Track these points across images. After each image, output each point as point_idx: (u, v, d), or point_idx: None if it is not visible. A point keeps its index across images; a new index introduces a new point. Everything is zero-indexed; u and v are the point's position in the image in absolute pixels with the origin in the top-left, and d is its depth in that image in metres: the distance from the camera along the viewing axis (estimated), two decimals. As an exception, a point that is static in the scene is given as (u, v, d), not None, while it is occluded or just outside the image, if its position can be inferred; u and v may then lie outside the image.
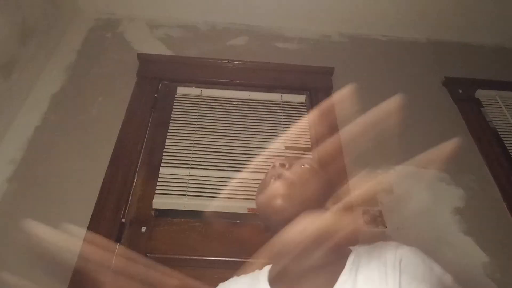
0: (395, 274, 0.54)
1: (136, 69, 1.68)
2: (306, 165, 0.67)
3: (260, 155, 1.45)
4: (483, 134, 1.65)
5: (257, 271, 0.70)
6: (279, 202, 0.60)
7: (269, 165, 0.71)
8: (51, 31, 1.72)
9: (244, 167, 1.42)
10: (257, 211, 0.67)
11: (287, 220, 0.57)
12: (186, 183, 1.36)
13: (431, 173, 1.49)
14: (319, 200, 0.64)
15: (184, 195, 1.32)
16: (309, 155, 0.79)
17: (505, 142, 1.63)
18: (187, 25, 1.93)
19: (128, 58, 1.72)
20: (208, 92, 1.66)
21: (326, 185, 0.68)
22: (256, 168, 1.42)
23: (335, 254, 0.62)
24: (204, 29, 1.93)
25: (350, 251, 0.64)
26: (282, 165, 0.65)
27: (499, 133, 1.67)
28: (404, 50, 1.98)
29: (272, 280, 0.65)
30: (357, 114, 0.67)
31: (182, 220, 1.29)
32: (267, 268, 0.69)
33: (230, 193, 1.35)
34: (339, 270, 0.59)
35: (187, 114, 1.57)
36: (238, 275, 0.72)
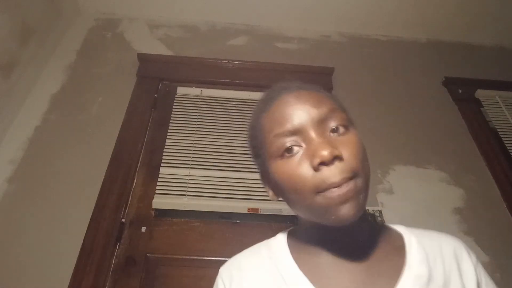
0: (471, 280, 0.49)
1: (136, 69, 1.68)
2: (342, 129, 0.47)
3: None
4: (483, 134, 1.64)
5: (265, 242, 0.58)
6: (349, 217, 0.44)
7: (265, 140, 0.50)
8: (51, 31, 1.72)
9: (244, 167, 1.42)
10: (286, 202, 0.51)
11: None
12: (186, 183, 1.36)
13: (431, 173, 1.49)
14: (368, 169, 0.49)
15: (184, 195, 1.32)
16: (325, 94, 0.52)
17: (505, 142, 1.63)
18: (187, 25, 1.93)
19: (128, 58, 1.72)
20: (208, 92, 1.66)
21: (361, 141, 0.50)
22: (256, 168, 1.42)
23: (382, 231, 0.52)
24: (204, 29, 1.93)
25: (400, 234, 0.52)
26: (336, 157, 0.44)
27: (499, 133, 1.67)
28: (404, 50, 1.98)
29: (296, 255, 0.52)
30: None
31: (182, 220, 1.29)
32: (281, 236, 0.56)
33: (230, 193, 1.35)
34: (399, 258, 0.48)
35: (187, 114, 1.57)
36: (240, 254, 0.61)
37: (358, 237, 0.51)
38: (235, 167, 1.42)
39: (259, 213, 1.31)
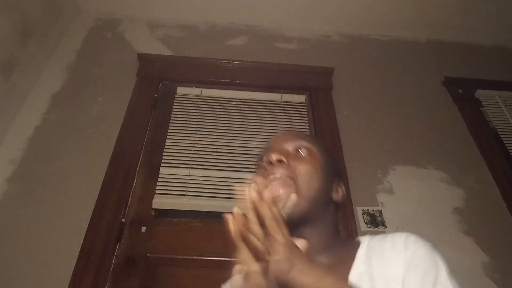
0: (402, 260, 0.52)
1: (136, 69, 1.68)
2: (304, 150, 0.61)
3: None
4: (483, 134, 1.65)
5: None
6: (288, 209, 0.53)
7: (261, 157, 0.64)
8: (51, 31, 1.72)
9: (244, 167, 1.42)
10: None
11: (297, 223, 0.54)
12: (186, 183, 1.35)
13: (431, 173, 1.49)
14: (325, 191, 0.60)
15: (184, 195, 1.32)
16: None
17: (505, 142, 1.63)
18: (187, 25, 1.93)
19: (128, 58, 1.72)
20: (208, 92, 1.66)
21: (328, 168, 0.62)
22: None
23: (344, 248, 0.60)
24: (204, 29, 1.93)
25: (358, 244, 0.60)
26: (280, 161, 0.58)
27: (499, 133, 1.67)
28: (404, 50, 1.98)
29: None
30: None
31: (182, 220, 1.29)
32: None
33: (230, 193, 1.35)
34: (349, 263, 0.56)
35: (187, 114, 1.57)
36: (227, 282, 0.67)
37: (314, 245, 0.55)
38: (235, 167, 1.42)
39: (259, 213, 1.31)
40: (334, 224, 0.63)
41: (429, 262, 0.52)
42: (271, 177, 0.57)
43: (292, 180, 0.57)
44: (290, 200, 0.53)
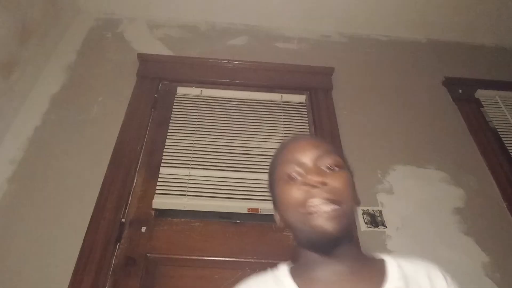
0: None
1: (136, 69, 1.68)
2: (335, 168, 0.61)
3: (260, 155, 1.46)
4: (483, 134, 1.65)
5: (269, 271, 0.66)
6: (333, 231, 0.55)
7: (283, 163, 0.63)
8: (51, 31, 1.72)
9: (244, 167, 1.42)
10: (287, 225, 0.62)
11: (338, 241, 0.57)
12: (186, 183, 1.35)
13: (431, 173, 1.49)
14: (356, 204, 0.62)
15: (184, 195, 1.32)
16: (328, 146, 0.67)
17: (505, 142, 1.63)
18: (187, 25, 1.93)
19: (128, 58, 1.72)
20: (208, 92, 1.66)
21: (353, 181, 0.64)
22: (257, 168, 1.42)
23: (368, 263, 0.61)
24: (204, 29, 1.93)
25: (382, 260, 0.62)
26: (323, 183, 0.57)
27: (499, 133, 1.67)
28: (404, 50, 1.98)
29: (294, 276, 0.61)
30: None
31: (182, 220, 1.29)
32: (283, 265, 0.65)
33: (230, 193, 1.35)
34: (381, 277, 0.57)
35: (187, 114, 1.57)
36: (249, 279, 0.67)
37: (347, 261, 0.59)
38: (235, 167, 1.42)
39: (259, 213, 1.31)
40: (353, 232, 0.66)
41: None
42: (315, 201, 0.56)
43: (336, 202, 0.56)
44: (334, 228, 0.55)
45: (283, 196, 0.61)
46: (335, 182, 0.58)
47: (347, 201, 0.58)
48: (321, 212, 0.55)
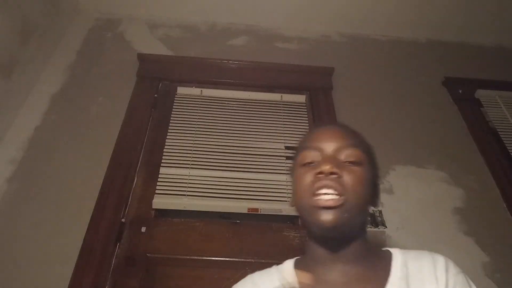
0: None
1: (136, 69, 1.68)
2: (354, 161, 0.59)
3: (260, 155, 1.46)
4: (483, 134, 1.65)
5: (274, 266, 0.67)
6: (332, 224, 0.54)
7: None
8: (51, 31, 1.72)
9: (244, 167, 1.42)
10: (299, 214, 0.62)
11: (344, 233, 0.57)
12: (186, 183, 1.35)
13: (431, 173, 1.49)
14: (369, 202, 0.60)
15: (184, 195, 1.32)
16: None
17: (505, 142, 1.63)
18: (187, 25, 1.93)
19: (128, 58, 1.72)
20: (208, 92, 1.66)
21: (375, 179, 0.62)
22: (257, 168, 1.42)
23: (377, 259, 0.60)
24: (204, 29, 1.93)
25: (390, 254, 0.60)
26: (334, 174, 0.56)
27: (499, 133, 1.67)
28: (404, 50, 1.98)
29: (299, 273, 0.61)
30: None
31: (182, 220, 1.29)
32: (289, 262, 0.66)
33: (230, 193, 1.35)
34: (384, 276, 0.56)
35: (187, 114, 1.57)
36: (254, 273, 0.68)
37: (350, 257, 0.59)
38: (235, 167, 1.42)
39: (259, 213, 1.31)
40: (365, 229, 0.63)
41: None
42: (323, 190, 0.55)
43: (342, 196, 0.55)
44: (337, 221, 0.54)
45: (296, 180, 0.61)
46: (349, 176, 0.56)
47: (356, 197, 0.55)
48: (323, 202, 0.54)
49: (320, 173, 0.56)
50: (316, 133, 0.64)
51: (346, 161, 0.59)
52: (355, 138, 0.63)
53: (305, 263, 0.63)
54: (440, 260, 0.58)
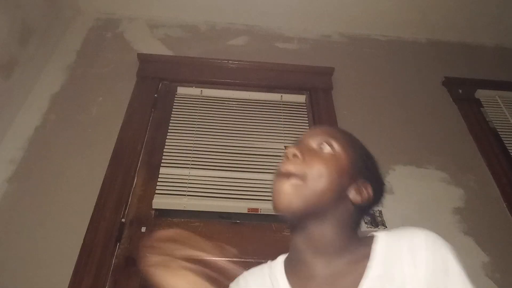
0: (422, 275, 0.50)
1: (136, 69, 1.68)
2: (326, 147, 0.59)
3: (260, 155, 1.46)
4: (483, 134, 1.64)
5: (269, 262, 0.67)
6: (283, 205, 0.56)
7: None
8: (51, 31, 1.72)
9: (244, 167, 1.42)
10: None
11: (300, 218, 0.57)
12: (186, 183, 1.35)
13: (431, 173, 1.49)
14: (338, 191, 0.57)
15: (184, 195, 1.32)
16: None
17: (505, 142, 1.63)
18: (187, 25, 1.93)
19: (128, 58, 1.72)
20: (208, 92, 1.66)
21: (350, 169, 0.59)
22: (257, 168, 1.42)
23: (359, 247, 0.57)
24: (204, 29, 1.93)
25: (373, 237, 0.57)
26: (295, 156, 0.58)
27: (499, 133, 1.67)
28: (404, 50, 1.98)
29: (288, 270, 0.61)
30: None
31: (182, 220, 1.29)
32: (281, 258, 0.66)
33: (230, 193, 1.35)
34: (364, 261, 0.53)
35: (187, 114, 1.57)
36: (247, 271, 0.69)
37: (329, 249, 0.57)
38: (235, 167, 1.42)
39: (259, 213, 1.31)
40: (348, 223, 0.59)
41: (453, 265, 0.53)
42: (283, 171, 0.57)
43: (300, 179, 0.56)
44: (290, 202, 0.55)
45: None
46: (314, 159, 0.58)
47: (315, 179, 0.55)
48: (278, 182, 0.57)
49: (286, 157, 0.59)
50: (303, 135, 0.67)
51: (318, 148, 0.60)
52: (336, 132, 0.64)
53: (291, 260, 0.63)
54: (419, 237, 0.54)
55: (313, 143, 0.61)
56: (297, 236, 0.60)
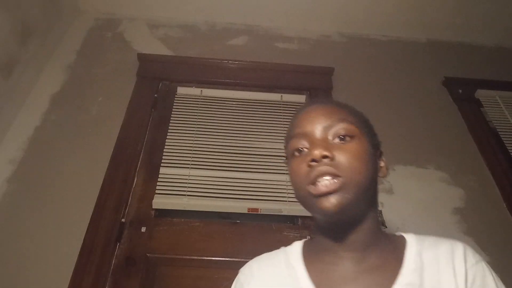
0: None
1: (136, 69, 1.68)
2: (345, 136, 0.55)
3: (260, 155, 1.46)
4: (483, 134, 1.64)
5: (282, 248, 0.65)
6: (333, 208, 0.51)
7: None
8: (51, 31, 1.72)
9: (244, 167, 1.42)
10: (303, 206, 0.58)
11: (351, 215, 0.53)
12: (186, 183, 1.35)
13: (431, 173, 1.49)
14: (372, 175, 0.55)
15: (184, 195, 1.32)
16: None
17: (505, 142, 1.63)
18: (187, 25, 1.93)
19: (128, 58, 1.72)
20: (208, 92, 1.66)
21: (372, 146, 0.57)
22: (256, 168, 1.42)
23: (389, 245, 0.56)
24: (204, 29, 1.93)
25: (404, 241, 0.56)
26: (326, 157, 0.52)
27: (499, 133, 1.67)
28: (404, 50, 1.98)
29: (308, 258, 0.59)
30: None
31: (182, 220, 1.29)
32: (298, 244, 0.63)
33: (230, 193, 1.35)
34: (396, 266, 0.52)
35: (187, 114, 1.57)
36: (259, 256, 0.67)
37: (360, 244, 0.55)
38: (235, 167, 1.42)
39: (259, 213, 1.31)
40: (377, 212, 0.58)
41: (490, 281, 0.55)
42: (319, 179, 0.52)
43: (339, 178, 0.51)
44: (340, 203, 0.51)
45: (290, 173, 0.57)
46: (342, 155, 0.53)
47: (354, 175, 0.52)
48: (321, 188, 0.51)
49: (313, 160, 0.53)
50: (300, 118, 0.60)
51: (336, 139, 0.55)
52: (340, 113, 0.59)
53: (313, 249, 0.60)
54: (459, 248, 0.54)
55: (328, 134, 0.56)
56: (328, 231, 0.57)
